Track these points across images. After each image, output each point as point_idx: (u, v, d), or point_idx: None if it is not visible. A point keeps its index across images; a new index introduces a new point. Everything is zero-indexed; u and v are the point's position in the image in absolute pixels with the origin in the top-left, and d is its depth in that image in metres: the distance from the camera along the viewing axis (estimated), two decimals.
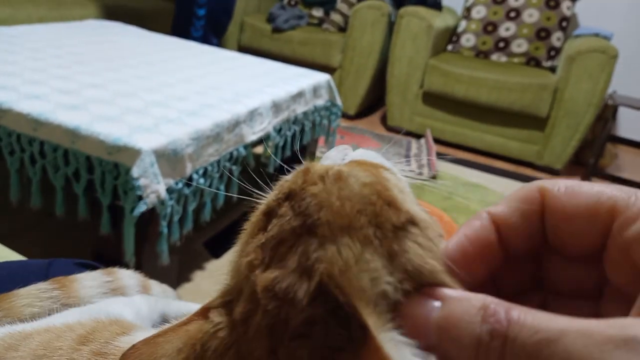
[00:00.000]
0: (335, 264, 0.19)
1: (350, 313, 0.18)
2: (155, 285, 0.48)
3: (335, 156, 0.26)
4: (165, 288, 0.49)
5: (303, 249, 0.20)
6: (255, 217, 0.24)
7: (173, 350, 0.22)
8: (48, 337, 0.31)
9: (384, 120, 3.13)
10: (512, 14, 2.88)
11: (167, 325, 0.32)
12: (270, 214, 0.23)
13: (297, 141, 1.73)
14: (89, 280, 0.42)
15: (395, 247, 0.19)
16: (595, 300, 0.21)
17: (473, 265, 0.20)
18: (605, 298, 0.21)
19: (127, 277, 0.45)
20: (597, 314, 0.21)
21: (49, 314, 0.38)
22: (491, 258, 0.21)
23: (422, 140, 2.83)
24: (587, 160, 2.70)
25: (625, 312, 0.19)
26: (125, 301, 0.41)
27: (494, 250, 0.21)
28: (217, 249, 1.53)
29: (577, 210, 0.19)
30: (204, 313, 0.24)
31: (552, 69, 2.81)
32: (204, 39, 2.51)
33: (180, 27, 2.52)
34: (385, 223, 0.20)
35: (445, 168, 2.51)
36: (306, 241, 0.20)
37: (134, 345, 0.23)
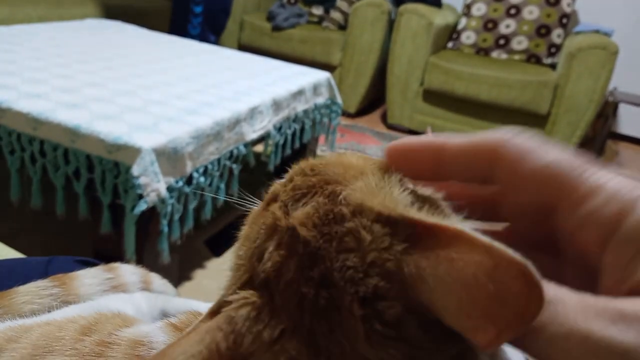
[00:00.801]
0: (365, 191, 0.21)
1: (396, 220, 0.19)
2: (156, 279, 0.48)
3: None
4: (165, 282, 0.49)
5: (329, 191, 0.21)
6: (259, 207, 0.24)
7: (191, 344, 0.21)
8: (49, 329, 0.31)
9: (384, 118, 3.13)
10: (512, 11, 2.87)
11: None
12: (276, 197, 0.23)
13: (297, 139, 1.73)
14: (89, 278, 0.42)
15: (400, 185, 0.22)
16: (555, 256, 0.21)
17: (413, 157, 0.22)
18: (563, 258, 0.20)
19: (129, 273, 0.45)
20: (559, 271, 0.20)
21: (49, 311, 0.38)
22: (418, 170, 0.22)
23: None
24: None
25: (582, 277, 0.19)
26: (125, 298, 0.40)
27: (427, 166, 0.22)
28: (217, 247, 1.53)
29: (524, 178, 0.19)
30: (214, 313, 0.22)
31: (553, 66, 2.80)
32: (202, 37, 2.50)
33: (178, 25, 2.51)
34: (387, 173, 0.23)
35: None
36: (329, 188, 0.21)
37: None
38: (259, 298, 0.21)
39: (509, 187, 0.20)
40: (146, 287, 0.46)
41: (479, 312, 0.16)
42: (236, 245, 0.24)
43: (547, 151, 0.19)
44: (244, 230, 0.24)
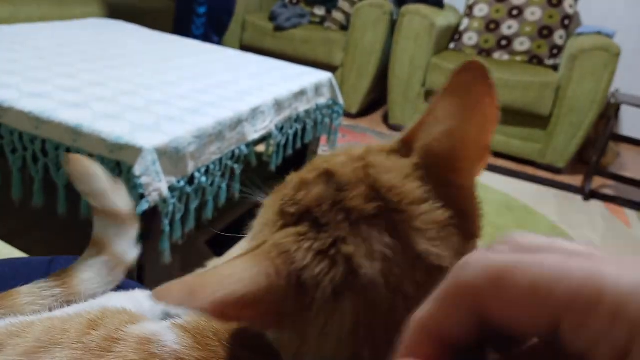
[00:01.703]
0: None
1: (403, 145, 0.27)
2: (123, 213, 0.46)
3: None
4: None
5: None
6: (284, 187, 0.27)
7: (242, 265, 0.22)
8: (54, 322, 0.31)
9: (385, 119, 3.12)
10: (515, 12, 2.87)
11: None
12: (305, 183, 0.26)
13: (299, 140, 1.73)
14: (86, 272, 0.41)
15: None
16: None
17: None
18: None
19: (120, 246, 0.43)
20: None
21: (50, 312, 0.38)
22: None
23: None
24: (590, 159, 2.69)
25: None
26: (127, 296, 0.40)
27: None
28: (219, 247, 1.53)
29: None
30: (256, 248, 0.23)
31: (555, 67, 2.80)
32: (205, 37, 2.50)
33: (182, 26, 2.51)
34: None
35: None
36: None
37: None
38: (301, 228, 0.23)
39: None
40: (123, 230, 0.44)
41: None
42: (257, 221, 0.26)
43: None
44: (263, 208, 0.26)
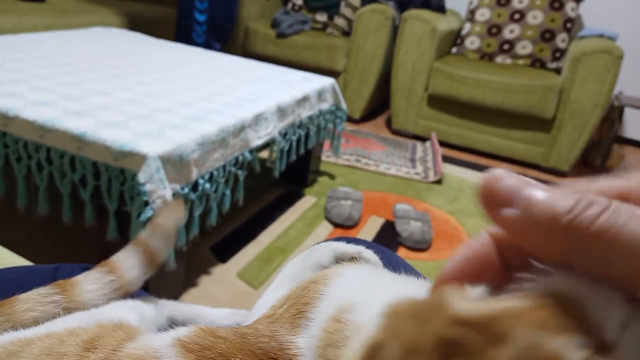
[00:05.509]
0: None
1: None
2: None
3: None
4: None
5: None
6: None
7: None
8: (50, 342, 0.30)
9: (389, 124, 3.13)
10: (516, 16, 2.87)
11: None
12: None
13: (302, 145, 1.73)
14: (90, 284, 0.41)
15: None
16: None
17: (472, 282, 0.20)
18: None
19: (129, 269, 0.44)
20: None
21: (52, 318, 0.37)
22: (490, 275, 0.20)
23: (428, 143, 2.82)
24: (594, 162, 2.69)
25: None
26: (130, 305, 0.40)
27: (493, 267, 0.20)
28: (223, 253, 1.53)
29: None
30: None
31: (557, 71, 2.80)
32: (207, 45, 2.52)
33: (183, 33, 2.53)
34: None
35: (451, 171, 2.50)
36: None
37: None
38: None
39: None
40: (144, 269, 0.45)
41: None
42: None
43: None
44: None
